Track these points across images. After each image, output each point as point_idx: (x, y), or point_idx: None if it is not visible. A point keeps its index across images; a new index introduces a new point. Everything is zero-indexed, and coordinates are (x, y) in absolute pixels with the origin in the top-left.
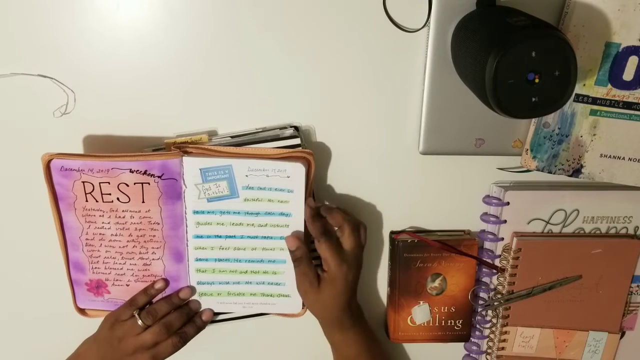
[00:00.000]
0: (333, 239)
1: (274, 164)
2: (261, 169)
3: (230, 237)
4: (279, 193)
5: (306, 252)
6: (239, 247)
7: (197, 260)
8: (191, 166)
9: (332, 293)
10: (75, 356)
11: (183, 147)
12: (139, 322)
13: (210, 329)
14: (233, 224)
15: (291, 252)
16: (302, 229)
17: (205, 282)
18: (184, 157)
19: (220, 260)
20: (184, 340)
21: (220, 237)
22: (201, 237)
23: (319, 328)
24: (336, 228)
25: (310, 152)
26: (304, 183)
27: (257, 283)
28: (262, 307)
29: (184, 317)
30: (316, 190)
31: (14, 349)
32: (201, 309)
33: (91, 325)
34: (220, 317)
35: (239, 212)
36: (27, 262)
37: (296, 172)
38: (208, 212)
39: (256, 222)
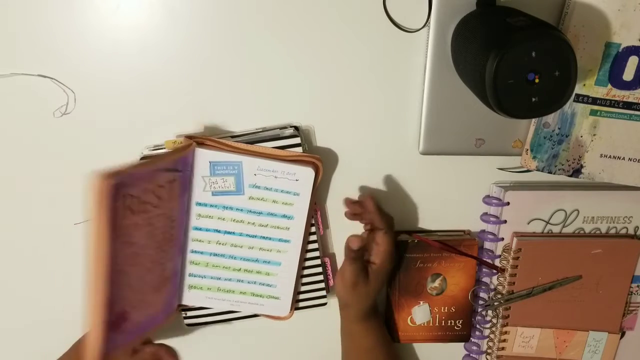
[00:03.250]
0: (393, 233)
1: (284, 166)
2: (271, 169)
3: (229, 233)
4: (285, 195)
5: (363, 252)
6: (236, 244)
7: (192, 252)
8: (202, 158)
9: (377, 285)
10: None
11: (195, 138)
12: None
13: (207, 329)
14: (234, 220)
15: (352, 250)
16: (302, 233)
17: (196, 274)
18: (196, 148)
19: (215, 254)
20: None
21: (219, 231)
22: (200, 229)
23: (317, 329)
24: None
25: (318, 158)
26: (311, 188)
27: (248, 282)
28: (250, 307)
29: None
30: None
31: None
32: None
33: None
34: (212, 318)
35: (241, 210)
36: (24, 265)
37: (305, 177)
38: (210, 206)
39: (257, 222)
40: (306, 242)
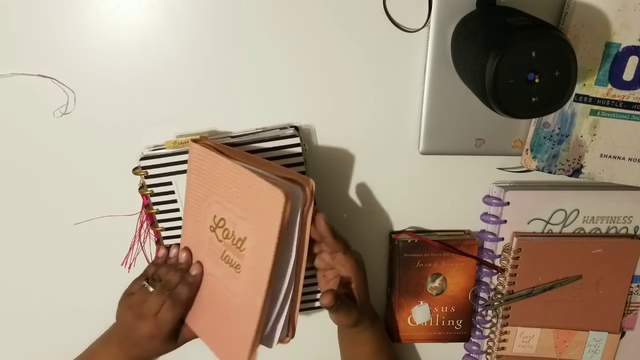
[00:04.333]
0: (351, 247)
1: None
2: None
3: None
4: None
5: (340, 296)
6: None
7: None
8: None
9: (365, 294)
10: (101, 339)
11: (200, 142)
12: (150, 288)
13: None
14: None
15: (330, 307)
16: (293, 254)
17: None
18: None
19: None
20: (176, 301)
21: None
22: None
23: (317, 329)
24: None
25: (310, 184)
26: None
27: None
28: None
29: (179, 273)
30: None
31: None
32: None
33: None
34: None
35: None
36: (24, 265)
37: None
38: None
39: None
40: (302, 262)
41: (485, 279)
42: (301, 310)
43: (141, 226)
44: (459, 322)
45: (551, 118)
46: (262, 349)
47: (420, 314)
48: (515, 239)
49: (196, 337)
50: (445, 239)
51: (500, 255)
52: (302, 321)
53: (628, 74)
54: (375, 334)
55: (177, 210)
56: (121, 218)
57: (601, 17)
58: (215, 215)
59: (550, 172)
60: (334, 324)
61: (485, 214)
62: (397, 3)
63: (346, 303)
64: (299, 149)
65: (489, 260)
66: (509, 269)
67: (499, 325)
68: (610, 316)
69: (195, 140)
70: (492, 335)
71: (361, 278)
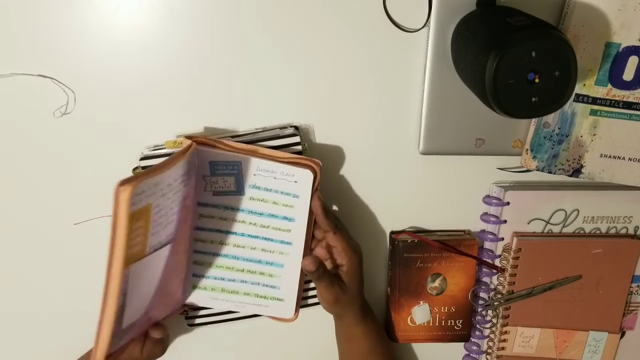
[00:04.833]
0: (344, 230)
1: (282, 167)
2: (269, 170)
3: (232, 233)
4: (284, 197)
5: (324, 265)
6: (238, 245)
7: (195, 252)
8: (201, 158)
9: (357, 283)
10: None
11: (195, 138)
12: None
13: (203, 330)
14: (236, 220)
15: (312, 272)
16: (303, 236)
17: (200, 275)
18: (197, 148)
19: (217, 255)
20: None
21: (221, 231)
22: (202, 229)
23: (317, 329)
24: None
25: (317, 163)
26: (310, 190)
27: (252, 283)
28: (254, 308)
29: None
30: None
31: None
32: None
33: None
34: (213, 318)
35: (243, 210)
36: (23, 265)
37: (304, 179)
38: (212, 206)
39: (259, 222)
40: (308, 245)
41: (485, 279)
42: (309, 305)
43: None
44: (459, 322)
45: (551, 118)
46: (262, 349)
47: (420, 314)
48: (515, 239)
49: (164, 352)
50: (445, 239)
51: (500, 255)
52: (302, 318)
53: (628, 74)
54: (369, 330)
55: None
56: None
57: (601, 17)
58: None
59: (550, 172)
60: (323, 308)
61: (485, 214)
62: (397, 3)
63: (330, 275)
64: (299, 148)
65: (489, 260)
66: (509, 269)
67: (499, 325)
68: (610, 316)
69: (189, 137)
70: (492, 335)
71: (353, 263)
